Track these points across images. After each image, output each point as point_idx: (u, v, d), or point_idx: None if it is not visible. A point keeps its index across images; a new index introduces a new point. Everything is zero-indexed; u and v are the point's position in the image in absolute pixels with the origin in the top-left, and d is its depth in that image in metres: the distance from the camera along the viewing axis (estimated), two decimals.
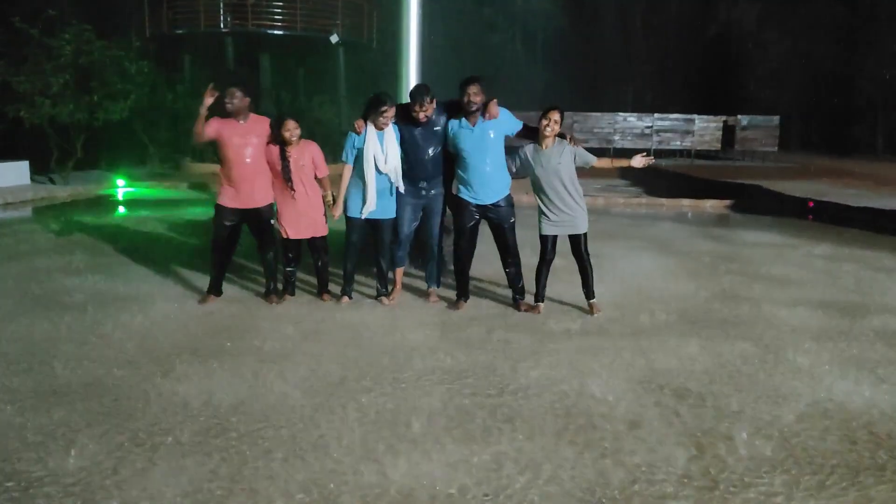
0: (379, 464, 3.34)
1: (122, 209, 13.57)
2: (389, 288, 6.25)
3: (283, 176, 5.82)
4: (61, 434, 3.61)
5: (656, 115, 31.72)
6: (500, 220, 5.86)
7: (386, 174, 5.80)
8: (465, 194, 5.86)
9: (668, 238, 10.03)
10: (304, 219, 5.99)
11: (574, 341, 5.23)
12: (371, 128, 5.75)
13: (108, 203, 14.16)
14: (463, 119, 5.69)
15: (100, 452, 3.42)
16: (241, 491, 3.10)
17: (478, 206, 5.84)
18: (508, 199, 5.87)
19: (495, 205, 5.81)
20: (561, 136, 5.65)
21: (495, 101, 5.69)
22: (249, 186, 5.86)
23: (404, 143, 5.85)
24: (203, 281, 6.46)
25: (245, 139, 5.79)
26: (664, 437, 3.67)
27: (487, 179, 5.74)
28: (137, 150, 19.58)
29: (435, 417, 3.86)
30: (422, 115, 5.67)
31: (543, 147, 5.64)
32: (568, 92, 32.07)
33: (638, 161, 5.67)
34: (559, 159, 5.59)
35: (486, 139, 5.67)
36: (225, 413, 3.88)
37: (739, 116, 29.88)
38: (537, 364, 4.72)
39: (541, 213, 5.80)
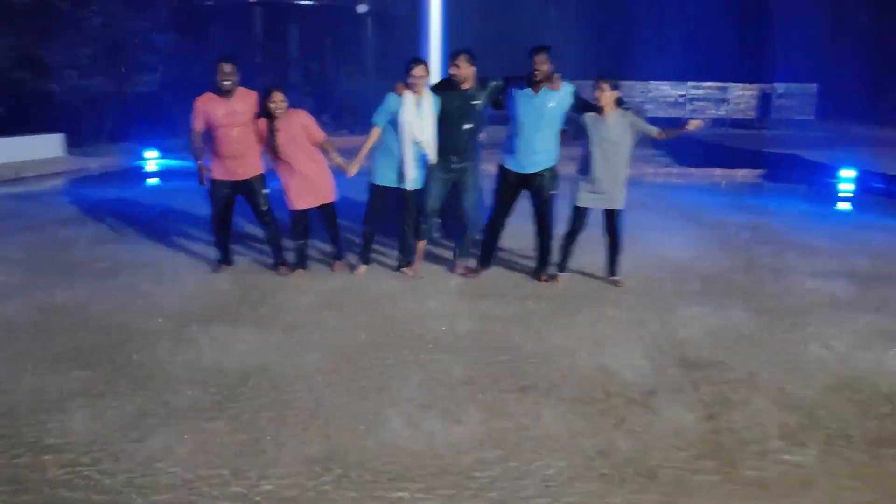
0: (394, 431, 3.34)
1: (151, 180, 13.72)
2: (412, 258, 6.19)
3: (270, 148, 5.76)
4: (80, 397, 3.67)
5: (690, 83, 31.15)
6: (542, 189, 5.72)
7: (419, 143, 5.69)
8: (508, 163, 5.75)
9: (698, 208, 9.86)
10: (309, 187, 5.88)
11: (596, 311, 5.17)
12: (409, 94, 5.61)
13: (138, 174, 14.32)
14: (526, 87, 5.56)
15: (118, 416, 3.47)
16: (256, 454, 3.12)
17: (520, 175, 5.73)
18: (553, 170, 5.72)
19: (539, 174, 5.69)
20: (623, 106, 5.53)
21: (558, 74, 5.53)
22: (238, 161, 5.82)
23: (441, 115, 5.71)
24: None
25: (232, 115, 5.72)
26: (682, 406, 3.62)
27: (535, 149, 5.61)
28: (167, 122, 19.73)
29: (452, 385, 3.86)
30: (453, 71, 5.56)
31: (604, 116, 5.51)
32: (600, 59, 31.57)
33: (693, 125, 5.58)
34: (619, 129, 5.48)
35: (544, 109, 5.55)
36: (243, 378, 3.92)
37: (776, 84, 29.13)
38: (556, 333, 4.68)
39: (580, 182, 5.69)
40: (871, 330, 4.78)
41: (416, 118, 5.57)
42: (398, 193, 5.87)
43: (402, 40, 23.81)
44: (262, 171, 5.98)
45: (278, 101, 5.68)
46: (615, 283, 5.84)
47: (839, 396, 3.76)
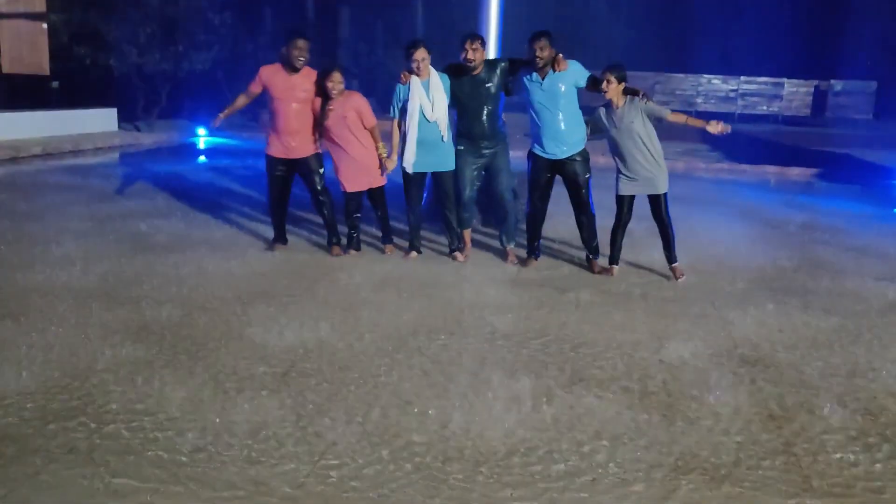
0: (444, 415, 3.34)
1: (203, 157, 13.92)
2: (461, 244, 6.20)
3: (320, 127, 5.82)
4: (144, 368, 3.75)
5: (742, 77, 30.54)
6: (575, 175, 5.72)
7: (434, 122, 5.71)
8: (538, 150, 5.76)
9: (750, 204, 9.68)
10: (360, 170, 5.90)
11: (650, 305, 5.11)
12: (414, 79, 5.69)
13: (191, 151, 14.55)
14: (533, 73, 5.60)
15: (182, 387, 3.53)
16: (305, 431, 3.15)
17: (551, 161, 5.73)
18: (584, 153, 5.72)
19: (570, 159, 5.68)
20: (633, 93, 5.47)
21: (561, 55, 5.56)
22: (294, 138, 5.86)
23: (458, 102, 5.80)
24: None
25: (293, 91, 5.77)
26: (740, 405, 3.56)
27: (560, 134, 5.62)
28: (219, 100, 19.97)
29: (505, 373, 3.84)
30: (464, 55, 5.61)
31: (615, 107, 5.48)
32: (651, 51, 31.08)
33: (714, 127, 5.41)
34: (632, 118, 5.42)
35: (557, 92, 5.57)
36: (298, 357, 3.96)
37: (833, 81, 28.37)
38: (611, 326, 4.63)
39: (618, 172, 5.66)
40: None
41: (426, 99, 5.67)
42: (433, 176, 5.95)
43: (451, 23, 23.78)
44: (319, 151, 6.02)
45: (336, 80, 5.70)
46: (674, 273, 5.76)
47: None
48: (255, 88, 5.90)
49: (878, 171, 13.66)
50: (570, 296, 5.25)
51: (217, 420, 3.22)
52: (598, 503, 2.73)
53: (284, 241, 6.37)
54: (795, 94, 29.82)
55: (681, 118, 5.58)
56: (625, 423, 3.34)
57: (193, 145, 15.38)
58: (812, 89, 29.45)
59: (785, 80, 29.63)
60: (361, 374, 3.75)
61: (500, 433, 3.19)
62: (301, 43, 5.71)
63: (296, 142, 5.88)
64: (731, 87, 30.29)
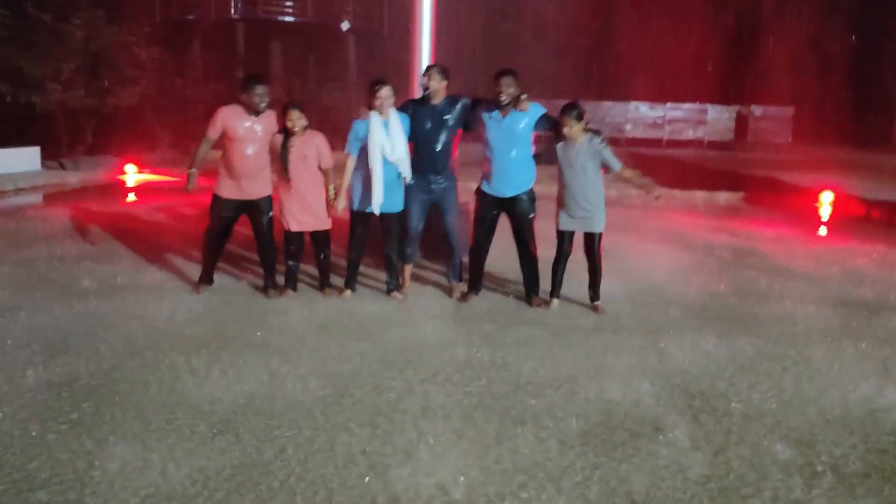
0: (386, 464, 3.27)
1: (131, 196, 13.55)
2: (400, 283, 6.14)
3: (281, 165, 5.70)
4: (69, 426, 3.56)
5: (669, 104, 31.50)
6: (520, 213, 5.76)
7: (393, 164, 5.68)
8: (485, 187, 5.80)
9: (682, 230, 9.92)
10: (307, 210, 5.83)
11: (589, 338, 5.15)
12: (375, 116, 5.62)
13: (118, 189, 14.14)
14: (494, 110, 5.62)
15: (115, 450, 3.37)
16: (245, 487, 3.04)
17: (498, 199, 5.76)
18: (530, 193, 5.77)
19: (517, 198, 5.72)
20: (594, 132, 5.56)
21: (526, 96, 5.59)
22: (251, 181, 5.78)
23: (414, 134, 5.77)
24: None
25: (251, 132, 5.69)
26: (683, 438, 3.60)
27: (510, 172, 5.66)
28: (147, 136, 19.55)
29: (447, 416, 3.80)
30: (425, 83, 5.64)
31: (573, 143, 5.54)
32: (579, 80, 31.84)
33: (655, 193, 6.05)
34: (587, 158, 5.51)
35: (514, 131, 5.60)
36: (235, 409, 3.83)
37: (753, 106, 29.54)
38: (552, 361, 4.64)
39: (560, 206, 5.72)
40: (867, 360, 4.80)
41: (387, 139, 5.60)
42: (381, 217, 5.85)
43: (384, 57, 23.94)
44: (271, 193, 5.92)
45: (295, 118, 5.65)
46: (595, 310, 5.82)
47: (840, 430, 3.75)
48: (214, 133, 5.71)
49: (801, 193, 14.21)
50: (512, 331, 5.24)
51: (151, 481, 3.08)
52: None
53: (210, 282, 6.20)
54: (719, 119, 30.93)
55: (627, 173, 5.66)
56: (569, 463, 3.33)
57: (122, 183, 14.95)
58: (734, 114, 30.57)
59: (709, 105, 30.71)
60: (303, 425, 3.65)
61: (447, 479, 3.14)
62: (260, 89, 5.65)
63: (250, 184, 5.79)
64: (658, 114, 31.21)
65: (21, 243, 8.07)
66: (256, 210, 5.89)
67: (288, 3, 23.38)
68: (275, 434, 3.56)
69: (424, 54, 7.61)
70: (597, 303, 5.86)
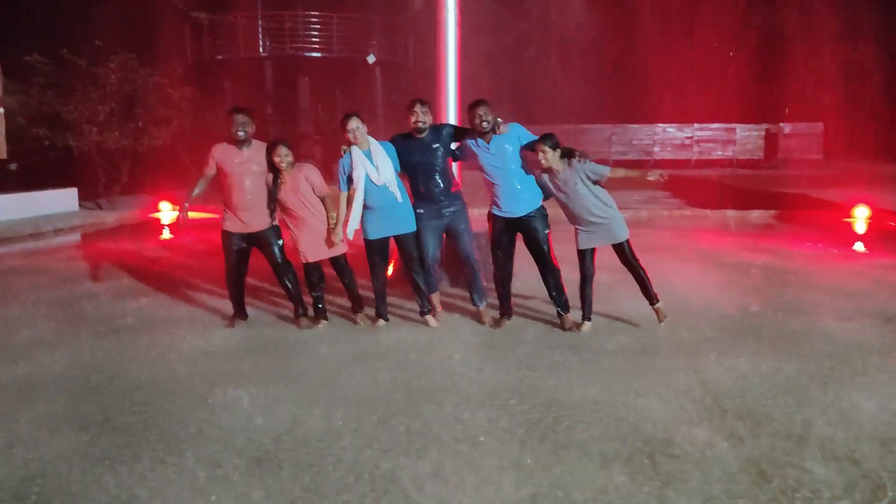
0: (428, 493, 3.26)
1: (166, 233, 13.79)
2: (431, 307, 6.13)
3: (274, 201, 5.82)
4: (106, 463, 3.61)
5: (696, 124, 31.34)
6: (535, 231, 5.78)
7: (384, 186, 5.74)
8: (495, 210, 5.87)
9: (714, 249, 9.82)
10: (318, 240, 5.87)
11: (623, 360, 5.10)
12: (355, 149, 5.77)
13: (154, 227, 14.40)
14: (479, 139, 5.76)
15: (153, 481, 3.40)
16: None
17: (510, 220, 5.80)
18: (541, 210, 5.80)
19: (528, 216, 5.75)
20: (570, 155, 5.59)
21: (500, 120, 5.77)
22: (249, 213, 5.86)
23: (410, 167, 5.88)
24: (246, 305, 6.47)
25: (245, 166, 5.81)
26: (726, 461, 3.53)
27: (516, 192, 5.74)
28: (181, 173, 19.92)
29: (488, 441, 3.78)
30: (413, 120, 5.78)
31: (556, 173, 5.62)
32: (605, 103, 31.84)
33: (653, 176, 5.73)
34: (575, 180, 5.55)
35: (505, 153, 5.71)
36: (271, 441, 3.84)
37: (782, 124, 29.29)
38: (586, 384, 4.60)
39: (576, 227, 5.74)
40: None
41: (370, 166, 5.73)
42: (395, 240, 5.93)
43: (410, 88, 24.22)
44: (275, 223, 6.00)
45: (282, 154, 5.74)
46: (657, 315, 5.84)
47: (887, 448, 3.66)
48: (210, 170, 5.92)
49: (834, 208, 14.01)
50: (543, 355, 5.21)
51: None
52: None
53: (245, 316, 6.28)
54: (748, 137, 30.66)
55: (619, 173, 5.71)
56: (606, 489, 3.28)
57: (157, 220, 15.23)
58: (763, 132, 30.31)
59: (737, 125, 30.48)
60: (343, 453, 3.66)
61: None
62: (239, 118, 5.78)
63: (251, 216, 5.87)
64: (685, 135, 31.05)
65: (60, 282, 8.25)
66: (264, 241, 5.97)
67: (315, 40, 23.83)
68: (313, 465, 3.56)
69: (451, 83, 7.68)
70: (658, 305, 5.86)
